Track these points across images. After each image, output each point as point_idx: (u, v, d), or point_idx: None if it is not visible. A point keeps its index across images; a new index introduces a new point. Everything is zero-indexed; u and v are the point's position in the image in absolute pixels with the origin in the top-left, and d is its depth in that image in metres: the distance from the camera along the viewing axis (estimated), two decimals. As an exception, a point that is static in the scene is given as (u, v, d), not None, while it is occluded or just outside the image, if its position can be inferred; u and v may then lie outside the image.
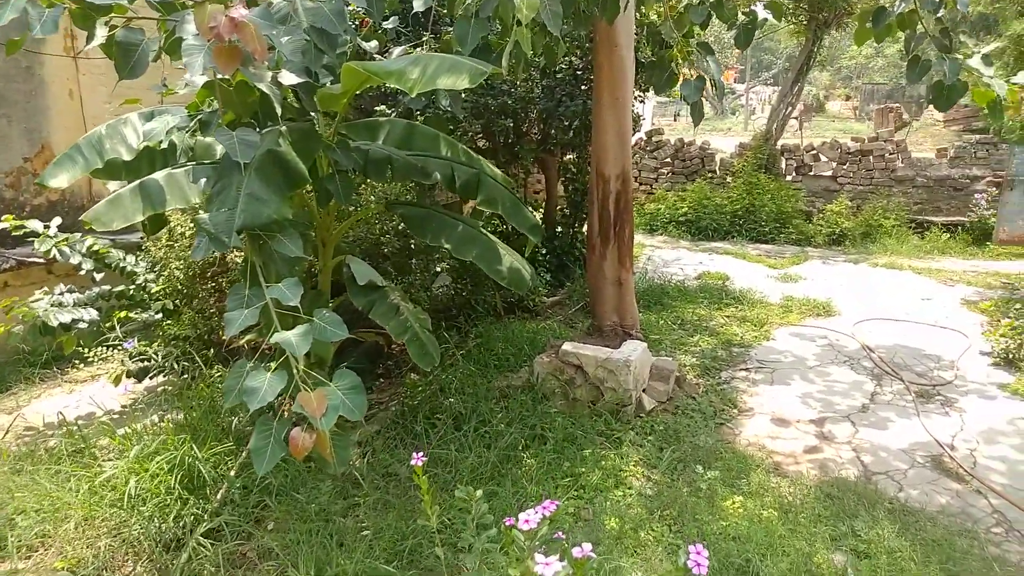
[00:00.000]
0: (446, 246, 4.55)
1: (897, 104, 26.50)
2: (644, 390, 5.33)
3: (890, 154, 12.04)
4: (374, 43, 5.12)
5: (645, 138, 13.67)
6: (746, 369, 6.27)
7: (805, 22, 12.41)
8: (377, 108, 6.39)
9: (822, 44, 12.67)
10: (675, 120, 37.31)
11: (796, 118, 27.91)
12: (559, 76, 8.13)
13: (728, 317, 7.57)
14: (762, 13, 6.54)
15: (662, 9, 6.34)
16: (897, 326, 7.44)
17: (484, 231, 4.81)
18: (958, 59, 5.02)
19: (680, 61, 6.00)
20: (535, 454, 4.52)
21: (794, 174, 12.67)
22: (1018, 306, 6.98)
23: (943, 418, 5.32)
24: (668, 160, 13.31)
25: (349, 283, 4.34)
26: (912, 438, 5.01)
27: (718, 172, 13.00)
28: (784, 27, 14.07)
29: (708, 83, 5.91)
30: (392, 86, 3.80)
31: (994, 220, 10.70)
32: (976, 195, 11.32)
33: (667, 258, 10.64)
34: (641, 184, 13.51)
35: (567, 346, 5.36)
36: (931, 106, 5.57)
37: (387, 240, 5.87)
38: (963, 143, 12.07)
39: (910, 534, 3.79)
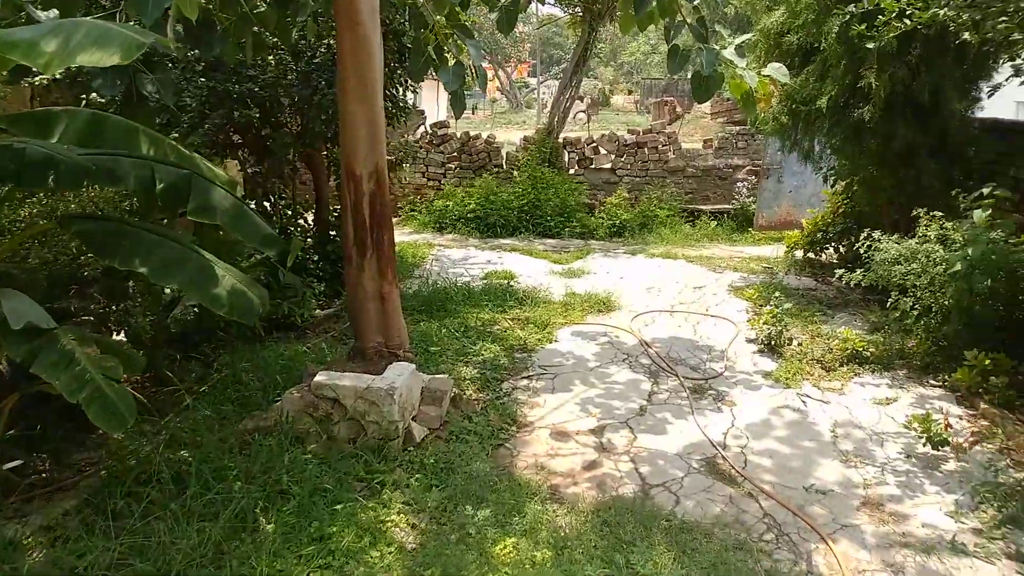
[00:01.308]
0: (141, 270, 3.60)
1: (672, 98, 28.44)
2: (414, 418, 4.73)
3: (663, 146, 12.55)
4: (54, 11, 4.01)
5: (430, 131, 13.13)
6: (528, 377, 5.91)
7: (581, 14, 12.53)
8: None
9: (598, 37, 12.89)
10: (473, 113, 37.42)
11: (585, 112, 29.11)
12: (316, 60, 7.27)
13: (513, 320, 7.22)
14: (545, 9, 6.18)
15: (419, -14, 5.75)
16: (673, 318, 7.54)
17: (198, 249, 3.90)
18: (714, 49, 4.96)
19: (443, 45, 5.46)
20: (275, 517, 3.74)
21: (576, 167, 12.81)
22: (777, 293, 7.32)
23: (716, 414, 5.29)
24: (455, 154, 12.90)
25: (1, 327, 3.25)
26: (688, 439, 4.90)
27: (504, 166, 12.81)
28: (562, 19, 14.24)
29: (469, 70, 5.43)
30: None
31: (755, 207, 11.50)
32: (738, 184, 12.12)
33: (455, 258, 10.18)
34: (429, 180, 12.97)
35: (321, 377, 4.61)
36: (699, 98, 5.55)
37: (89, 260, 4.72)
38: (726, 134, 12.92)
39: (686, 558, 3.54)
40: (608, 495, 4.18)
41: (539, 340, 6.74)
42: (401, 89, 8.05)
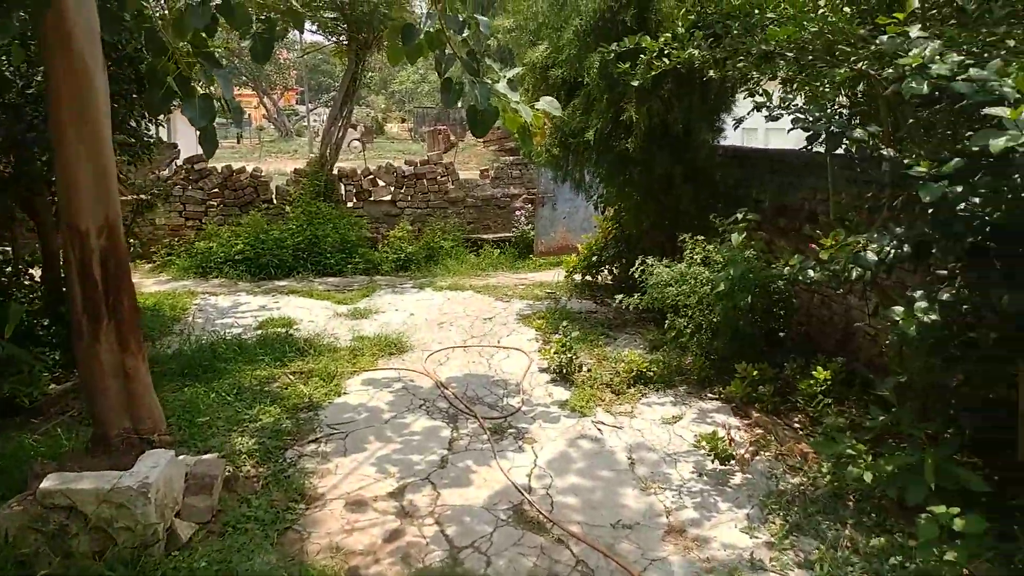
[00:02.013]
0: None
1: (445, 126, 28.86)
2: (177, 514, 3.98)
3: (441, 176, 12.49)
4: None
5: (186, 167, 11.84)
6: (316, 440, 5.33)
7: (346, 43, 12.10)
8: None
9: (366, 66, 12.55)
10: (239, 142, 35.05)
11: (360, 140, 28.56)
12: (30, 91, 6.11)
13: (295, 374, 6.56)
14: (310, 37, 5.65)
15: (155, 5, 5.01)
16: (467, 353, 7.36)
17: None
18: (487, 83, 4.85)
19: (186, 75, 4.76)
20: None
21: (355, 200, 12.30)
22: (564, 323, 7.43)
23: (518, 454, 5.14)
24: (216, 191, 11.74)
25: None
26: (493, 487, 4.67)
27: (275, 201, 11.92)
28: (327, 47, 13.70)
29: (220, 103, 4.80)
30: None
31: (533, 234, 11.81)
32: (516, 212, 12.41)
33: (223, 306, 9.16)
34: (188, 220, 11.67)
35: (50, 482, 3.70)
36: (474, 130, 5.44)
37: None
38: (501, 164, 13.24)
39: (505, 632, 3.26)
40: (414, 568, 3.79)
41: (326, 395, 6.17)
42: (143, 121, 7.06)
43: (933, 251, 3.37)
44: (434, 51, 5.13)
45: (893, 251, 3.27)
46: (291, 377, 6.49)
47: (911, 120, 3.75)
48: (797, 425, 5.29)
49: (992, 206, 2.97)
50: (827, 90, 4.32)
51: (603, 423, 5.58)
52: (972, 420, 3.89)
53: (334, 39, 12.63)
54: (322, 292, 9.90)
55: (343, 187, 12.35)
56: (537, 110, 4.98)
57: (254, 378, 6.36)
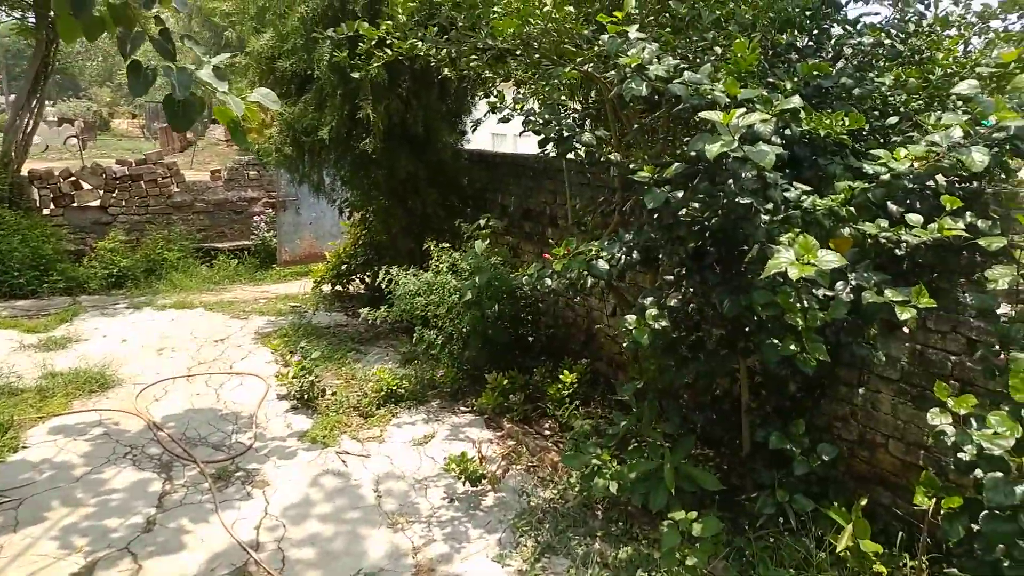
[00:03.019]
0: None
1: (179, 124, 25.90)
2: None
3: (163, 178, 10.97)
4: None
5: None
6: (-29, 518, 4.13)
7: (33, 20, 10.11)
8: None
9: (58, 48, 10.56)
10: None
11: (77, 137, 24.53)
12: None
13: (-53, 431, 5.13)
14: None
15: None
16: (191, 384, 6.35)
17: None
18: (187, 69, 4.07)
19: None
20: None
21: (53, 206, 10.33)
22: (303, 343, 6.73)
23: (247, 503, 4.42)
24: None
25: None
26: (212, 548, 3.93)
27: (-61, 210, 9.57)
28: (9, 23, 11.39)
29: None
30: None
31: (276, 241, 10.82)
32: (255, 218, 11.31)
33: None
34: None
35: None
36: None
37: None
38: (236, 164, 11.96)
39: None
40: None
41: (-5, 453, 4.89)
42: None
43: (660, 256, 3.34)
44: (119, 28, 4.24)
45: (624, 258, 3.17)
46: (-59, 436, 5.05)
47: (635, 125, 3.73)
48: (548, 432, 5.21)
49: (710, 211, 2.97)
50: (558, 92, 4.20)
51: (349, 453, 5.04)
52: (703, 417, 4.01)
53: (17, 15, 10.51)
54: (5, 319, 8.08)
55: (36, 191, 10.31)
56: (250, 102, 4.31)
57: None
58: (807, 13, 3.26)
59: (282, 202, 10.50)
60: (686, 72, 2.76)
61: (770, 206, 2.67)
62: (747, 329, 3.39)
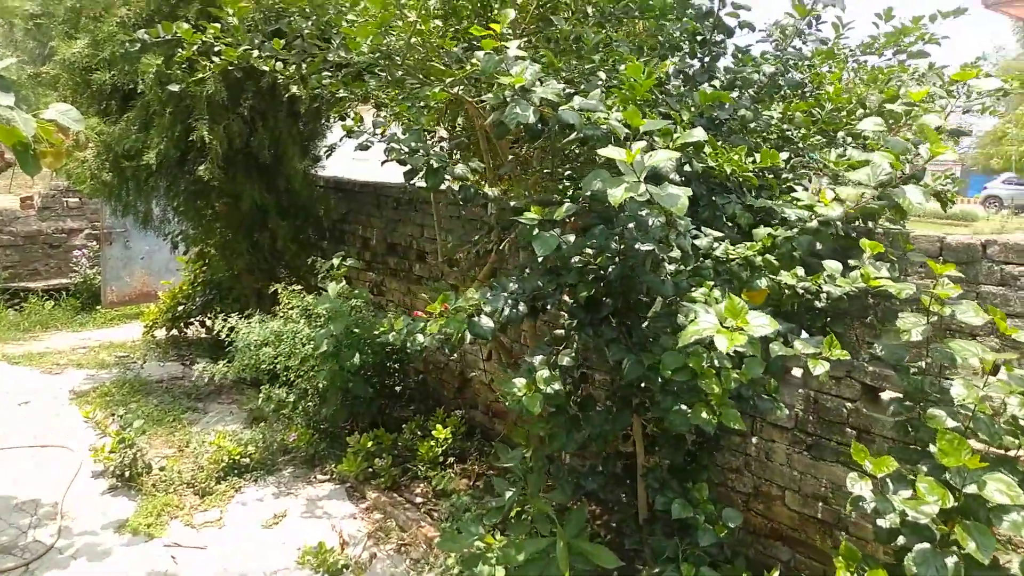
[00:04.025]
0: None
1: (-11, 143, 22.90)
2: None
3: (-41, 208, 9.32)
4: None
5: None
6: None
7: None
8: None
9: None
10: None
11: None
12: None
13: None
14: None
15: None
16: (-23, 464, 5.17)
17: None
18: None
19: None
20: None
21: None
22: (123, 411, 5.68)
23: (38, 627, 3.48)
24: None
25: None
26: None
27: None
28: None
29: None
30: None
31: (100, 280, 9.46)
32: (76, 252, 9.87)
33: None
34: None
35: None
36: None
37: None
38: (53, 190, 10.43)
39: None
40: None
41: None
42: None
43: (546, 306, 2.90)
44: None
45: (508, 311, 2.69)
46: None
47: (510, 156, 3.28)
48: (420, 500, 4.60)
49: (605, 258, 2.56)
50: (424, 116, 3.68)
51: (180, 545, 4.16)
52: (594, 481, 3.59)
53: None
54: None
55: None
56: (43, 121, 3.47)
57: None
58: (697, 38, 2.98)
59: (107, 234, 9.20)
60: (576, 98, 2.35)
61: (676, 254, 2.29)
62: (642, 385, 3.03)
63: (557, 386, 2.67)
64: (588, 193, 2.22)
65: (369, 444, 4.78)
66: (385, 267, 6.62)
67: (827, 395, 3.52)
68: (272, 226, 6.36)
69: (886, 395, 3.43)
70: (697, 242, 2.13)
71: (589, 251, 2.56)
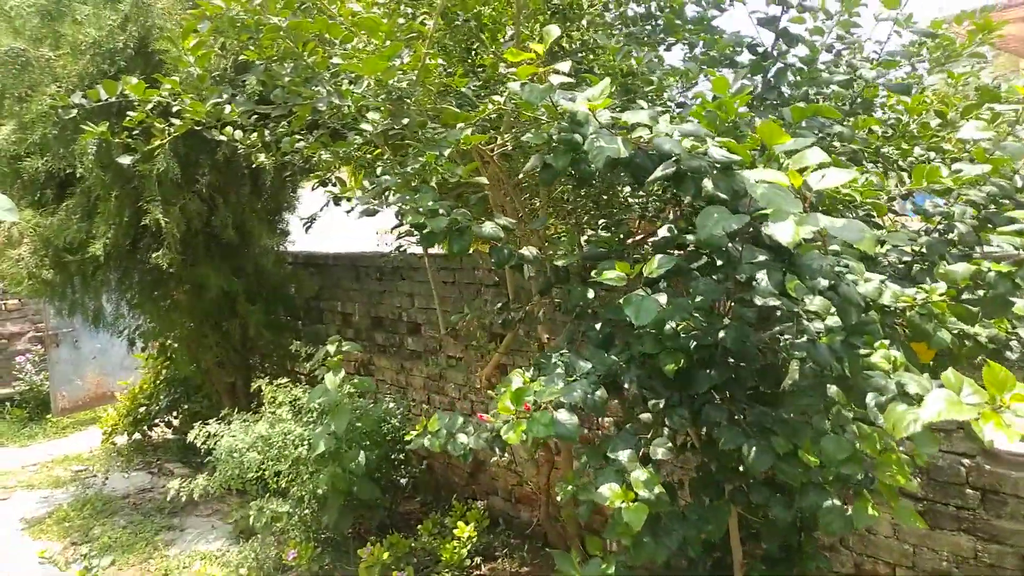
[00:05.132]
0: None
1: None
2: None
3: None
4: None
5: None
6: None
7: None
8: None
9: None
10: None
11: None
12: None
13: None
14: None
15: None
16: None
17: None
18: None
19: None
20: None
21: None
22: (90, 535, 4.86)
23: None
24: None
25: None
26: None
27: None
28: None
29: None
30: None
31: (48, 386, 8.55)
32: (19, 358, 8.94)
33: None
34: None
35: None
36: None
37: None
38: (-11, 294, 9.54)
39: None
40: None
41: None
42: None
43: (626, 387, 2.33)
44: None
45: (588, 398, 2.11)
46: None
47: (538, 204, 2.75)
48: (454, 617, 3.91)
49: (711, 318, 2.02)
50: (438, 168, 3.12)
51: None
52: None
53: None
54: None
55: None
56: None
57: None
58: (759, 50, 2.53)
59: (53, 335, 8.34)
60: (661, 123, 1.83)
61: (817, 305, 1.75)
62: (741, 469, 2.46)
63: (659, 489, 2.09)
64: (701, 238, 1.69)
65: (385, 555, 4.07)
66: (372, 344, 5.98)
67: (938, 452, 3.01)
68: (242, 312, 5.68)
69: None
70: (862, 288, 1.61)
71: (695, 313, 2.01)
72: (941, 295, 1.60)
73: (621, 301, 1.90)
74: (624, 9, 3.18)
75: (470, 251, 2.47)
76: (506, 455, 2.78)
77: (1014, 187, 2.26)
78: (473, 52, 3.28)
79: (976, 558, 2.91)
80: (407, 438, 2.55)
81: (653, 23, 2.97)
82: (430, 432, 2.48)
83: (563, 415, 1.98)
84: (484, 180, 2.47)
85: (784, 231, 1.35)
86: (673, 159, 1.69)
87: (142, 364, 7.13)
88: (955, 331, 1.68)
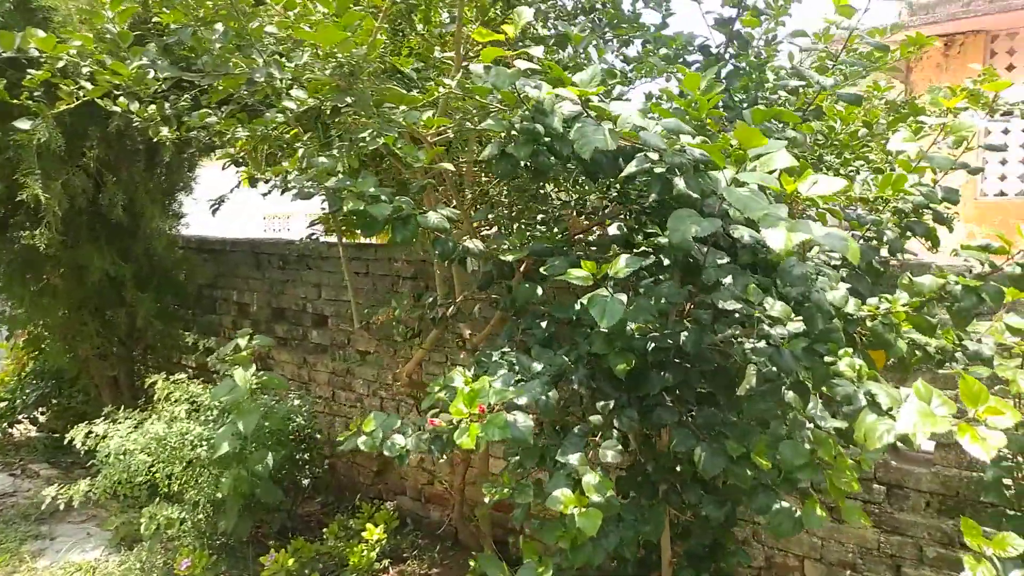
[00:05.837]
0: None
1: None
2: None
3: None
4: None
5: None
6: None
7: None
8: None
9: None
10: None
11: None
12: None
13: None
14: None
15: None
16: None
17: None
18: None
19: None
20: None
21: None
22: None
23: None
24: None
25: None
26: None
27: None
28: None
29: None
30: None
31: None
32: None
33: None
34: None
35: None
36: None
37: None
38: None
39: None
40: None
41: None
42: None
43: (576, 387, 2.28)
44: None
45: (543, 398, 2.04)
46: None
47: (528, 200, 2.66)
48: (365, 625, 3.74)
49: (671, 324, 2.00)
50: (350, 155, 2.95)
51: None
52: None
53: None
54: None
55: None
56: None
57: None
58: (712, 52, 2.55)
59: None
60: (644, 117, 1.78)
61: (778, 311, 1.77)
62: (677, 469, 2.48)
63: (610, 492, 2.05)
64: (671, 240, 1.66)
65: (290, 562, 3.83)
66: (272, 336, 5.64)
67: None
68: (130, 299, 5.20)
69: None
70: (830, 296, 1.62)
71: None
72: (904, 306, 1.65)
73: (585, 301, 1.84)
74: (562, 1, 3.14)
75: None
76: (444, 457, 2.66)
77: (935, 197, 2.39)
78: (399, 34, 3.12)
79: (879, 549, 3.09)
80: (340, 439, 2.38)
81: (596, 17, 2.94)
82: (365, 432, 2.33)
83: (518, 417, 1.90)
84: (449, 166, 2.32)
85: (776, 238, 1.33)
86: (655, 154, 1.65)
87: (5, 355, 6.42)
88: (907, 340, 1.74)
